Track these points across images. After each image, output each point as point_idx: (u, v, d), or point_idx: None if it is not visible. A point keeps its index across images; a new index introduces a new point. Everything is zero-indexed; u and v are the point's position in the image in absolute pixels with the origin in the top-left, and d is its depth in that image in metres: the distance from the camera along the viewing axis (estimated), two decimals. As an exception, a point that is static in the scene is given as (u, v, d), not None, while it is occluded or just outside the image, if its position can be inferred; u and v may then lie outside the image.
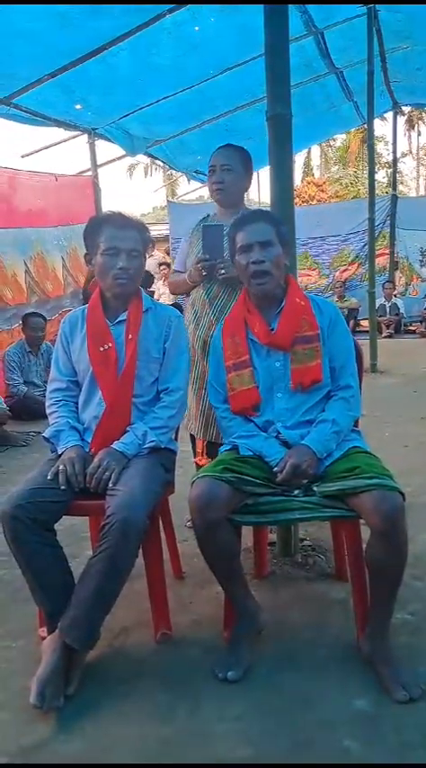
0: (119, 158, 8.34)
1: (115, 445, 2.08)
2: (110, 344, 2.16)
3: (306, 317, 2.13)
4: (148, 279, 8.04)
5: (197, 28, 4.94)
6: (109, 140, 6.94)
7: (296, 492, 1.98)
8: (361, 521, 1.93)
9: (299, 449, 2.01)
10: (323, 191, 28.06)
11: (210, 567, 2.00)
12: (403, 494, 1.81)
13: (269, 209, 2.48)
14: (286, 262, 2.18)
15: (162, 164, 8.30)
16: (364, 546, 1.93)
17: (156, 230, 11.28)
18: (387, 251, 11.31)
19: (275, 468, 1.99)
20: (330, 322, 2.16)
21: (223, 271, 2.55)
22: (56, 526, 2.01)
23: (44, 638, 1.96)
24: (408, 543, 1.82)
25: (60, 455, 2.09)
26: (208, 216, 2.86)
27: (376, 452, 2.09)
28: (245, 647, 2.01)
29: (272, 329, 2.13)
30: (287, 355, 2.12)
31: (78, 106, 5.91)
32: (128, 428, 2.14)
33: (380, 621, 1.93)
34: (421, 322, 10.54)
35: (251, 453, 2.07)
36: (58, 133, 6.77)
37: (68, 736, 1.73)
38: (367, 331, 7.42)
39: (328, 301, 2.27)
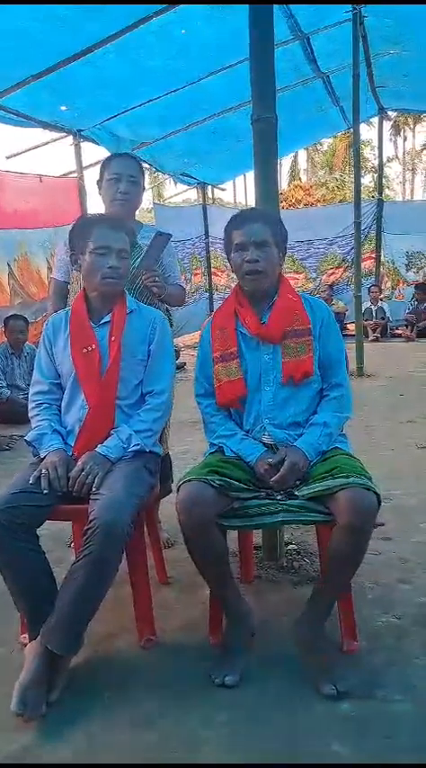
0: (106, 160, 8.31)
1: (98, 449, 2.06)
2: (94, 346, 2.14)
3: (297, 311, 2.13)
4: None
5: (183, 31, 4.94)
6: (94, 142, 6.90)
7: (279, 497, 1.98)
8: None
9: (294, 449, 2.03)
10: (309, 194, 28.17)
11: (200, 569, 1.99)
12: (378, 495, 1.83)
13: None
14: (280, 262, 2.18)
15: (148, 166, 8.27)
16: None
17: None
18: (374, 255, 11.38)
19: (261, 467, 2.00)
20: (322, 322, 2.16)
21: (158, 280, 2.52)
22: (40, 531, 1.98)
23: (26, 645, 1.93)
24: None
25: (43, 459, 2.07)
26: None
27: (362, 455, 2.09)
28: (240, 650, 1.99)
29: (263, 322, 2.13)
30: (277, 348, 2.11)
31: (64, 107, 5.89)
32: (111, 431, 2.12)
33: (324, 609, 1.95)
34: (406, 326, 10.59)
35: (233, 454, 2.08)
36: (43, 134, 6.75)
37: (54, 743, 1.71)
38: (353, 335, 7.44)
39: (321, 302, 2.26)
